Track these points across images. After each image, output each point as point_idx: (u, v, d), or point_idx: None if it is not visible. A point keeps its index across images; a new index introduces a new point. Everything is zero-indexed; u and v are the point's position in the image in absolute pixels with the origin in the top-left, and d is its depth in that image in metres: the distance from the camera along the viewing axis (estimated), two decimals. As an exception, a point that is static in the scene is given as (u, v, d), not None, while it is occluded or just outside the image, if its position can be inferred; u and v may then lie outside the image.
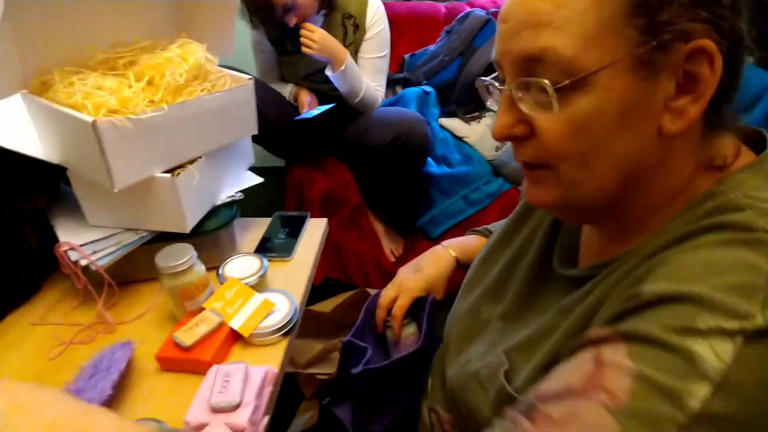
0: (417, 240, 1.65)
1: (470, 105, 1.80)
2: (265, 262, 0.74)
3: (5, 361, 0.65)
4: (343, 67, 1.40)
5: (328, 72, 1.43)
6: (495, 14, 1.82)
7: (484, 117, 1.77)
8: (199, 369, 0.61)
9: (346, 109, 1.55)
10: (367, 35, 1.50)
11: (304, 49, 1.38)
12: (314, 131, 1.57)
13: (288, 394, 1.46)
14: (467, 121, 1.74)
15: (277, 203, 1.96)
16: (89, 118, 0.57)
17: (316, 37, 1.35)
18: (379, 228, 1.64)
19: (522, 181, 1.75)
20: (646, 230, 0.43)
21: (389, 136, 1.36)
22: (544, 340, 0.45)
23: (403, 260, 1.64)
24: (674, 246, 0.38)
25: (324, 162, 1.65)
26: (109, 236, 0.72)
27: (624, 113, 0.37)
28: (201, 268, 0.66)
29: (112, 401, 0.56)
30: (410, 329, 0.75)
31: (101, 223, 0.73)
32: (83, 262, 0.67)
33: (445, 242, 0.78)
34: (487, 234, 0.78)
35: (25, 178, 0.74)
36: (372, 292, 1.60)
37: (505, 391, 0.45)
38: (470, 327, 0.58)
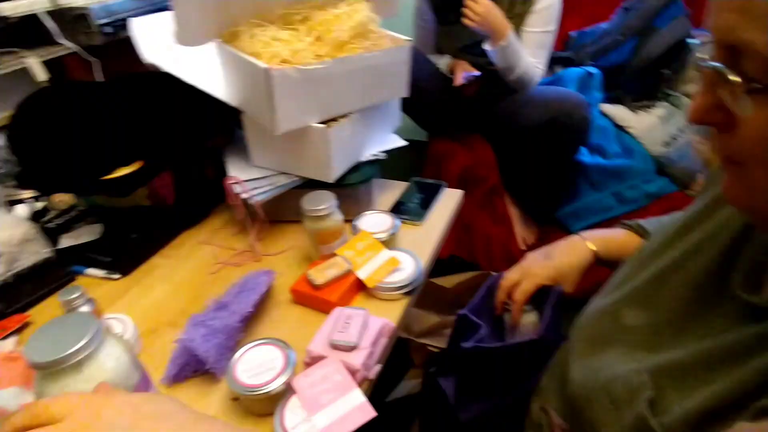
0: (552, 231, 1.55)
1: (640, 92, 1.60)
2: (398, 222, 0.76)
3: (178, 269, 0.78)
4: (504, 42, 1.33)
5: (486, 46, 1.38)
6: (684, -7, 1.58)
7: (655, 107, 1.56)
8: (325, 307, 0.65)
9: (501, 86, 1.49)
10: (537, 6, 1.39)
11: (465, 20, 1.35)
12: (466, 104, 1.55)
13: (399, 358, 1.51)
14: (634, 109, 1.56)
15: (414, 175, 2.00)
16: (264, 65, 0.63)
17: (479, 9, 1.30)
18: (514, 213, 1.58)
19: (691, 184, 1.53)
20: None
21: (546, 116, 1.27)
22: (708, 377, 0.38)
23: (533, 250, 1.56)
24: None
25: (467, 138, 1.63)
26: (267, 176, 0.80)
27: None
28: (339, 216, 0.70)
29: (251, 318, 0.63)
30: (530, 317, 0.71)
31: (263, 164, 0.81)
32: (244, 196, 0.76)
33: (586, 233, 0.71)
34: (638, 230, 0.68)
35: (211, 117, 0.85)
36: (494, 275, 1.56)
37: (646, 423, 0.38)
38: (606, 330, 0.51)
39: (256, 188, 0.78)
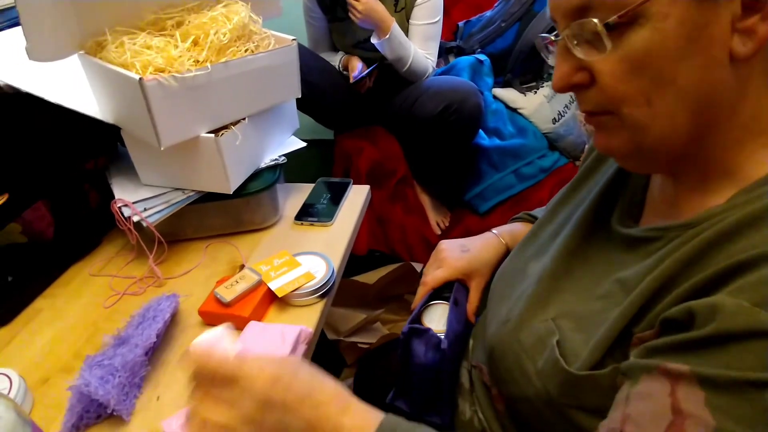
0: (464, 214, 1.61)
1: (527, 74, 1.71)
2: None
3: (67, 308, 0.70)
4: (387, 36, 1.38)
5: (373, 39, 1.41)
6: (558, -23, 1.71)
7: (542, 87, 1.67)
8: (238, 324, 0.62)
9: (396, 78, 1.51)
10: (419, 0, 1.46)
11: (350, 16, 1.37)
12: (365, 99, 1.55)
13: (331, 360, 1.50)
14: (523, 91, 1.66)
15: (325, 174, 1.98)
16: (136, 76, 0.58)
17: (360, 6, 1.33)
18: (426, 200, 1.62)
19: (580, 156, 1.66)
20: (731, 182, 0.39)
21: (439, 106, 1.32)
22: (602, 316, 0.42)
23: (448, 233, 1.61)
24: None
25: (372, 133, 1.64)
26: (159, 195, 0.75)
27: (686, 41, 0.34)
28: None
29: (156, 348, 0.59)
30: (439, 309, 0.68)
31: (152, 182, 0.76)
32: (135, 219, 0.71)
33: (496, 229, 0.73)
34: (531, 220, 0.73)
35: (85, 138, 0.78)
36: (416, 266, 1.59)
37: (559, 365, 0.42)
38: (515, 284, 0.55)
39: (148, 209, 0.72)
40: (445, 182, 1.54)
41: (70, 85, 0.72)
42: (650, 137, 0.38)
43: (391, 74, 1.51)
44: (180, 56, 0.63)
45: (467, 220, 1.59)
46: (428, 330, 0.61)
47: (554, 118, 1.62)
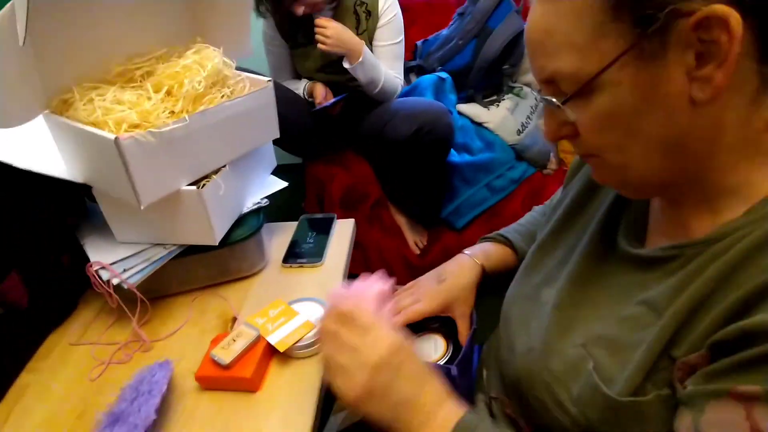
0: (441, 231, 1.62)
1: (488, 89, 1.75)
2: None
3: (51, 384, 0.65)
4: (360, 59, 1.38)
5: (345, 65, 1.40)
6: (509, -7, 1.76)
7: (503, 100, 1.72)
8: (240, 386, 0.59)
9: (364, 101, 1.51)
10: (381, 22, 1.48)
11: (319, 46, 1.36)
12: (333, 125, 1.54)
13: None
14: (486, 105, 1.69)
15: (296, 201, 1.94)
16: (111, 136, 0.55)
17: (329, 32, 1.32)
18: (402, 221, 1.62)
19: (546, 164, 1.70)
20: (739, 199, 0.40)
21: (411, 128, 1.32)
22: (634, 338, 0.42)
23: (428, 252, 1.61)
24: None
25: (342, 157, 1.63)
26: (138, 252, 0.70)
27: (642, 99, 0.38)
28: None
29: (156, 425, 0.55)
30: (431, 342, 0.69)
31: (129, 239, 0.71)
32: (115, 281, 0.66)
33: (468, 250, 0.74)
34: (500, 239, 0.74)
35: (53, 198, 0.73)
36: (398, 287, 1.58)
37: (600, 391, 0.42)
38: (529, 312, 0.55)
39: (127, 269, 0.68)
40: (419, 202, 1.55)
41: (26, 144, 0.67)
42: (632, 175, 0.43)
43: (358, 98, 1.51)
44: (154, 109, 0.60)
45: (445, 237, 1.60)
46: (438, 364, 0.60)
47: (518, 129, 1.66)
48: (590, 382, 0.43)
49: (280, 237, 0.87)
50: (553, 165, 1.65)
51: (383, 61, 1.49)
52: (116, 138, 0.55)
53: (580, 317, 0.48)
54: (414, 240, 1.60)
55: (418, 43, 1.89)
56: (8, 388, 0.65)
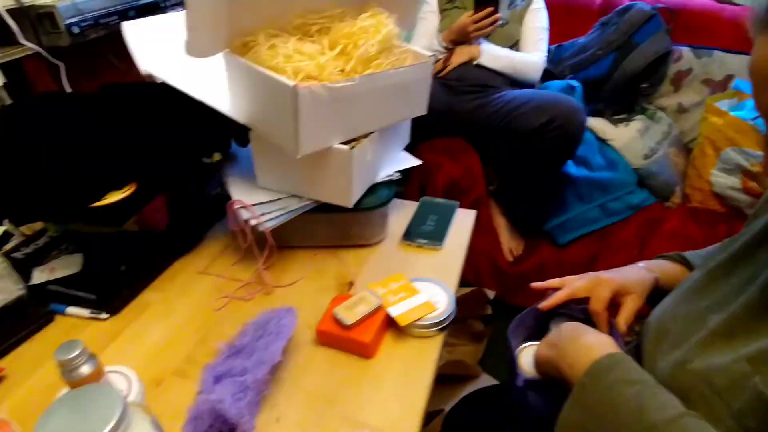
0: (539, 244, 1.55)
1: (619, 105, 1.63)
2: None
3: (176, 305, 0.69)
4: (481, 60, 1.50)
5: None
6: (661, 10, 1.63)
7: (634, 120, 1.59)
8: (357, 349, 0.60)
9: (495, 86, 1.50)
10: (533, 6, 1.59)
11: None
12: (465, 112, 1.53)
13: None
14: (615, 123, 1.59)
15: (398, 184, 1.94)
16: (291, 83, 0.56)
17: (448, 68, 1.52)
18: (501, 224, 1.56)
19: (670, 196, 1.56)
20: None
21: (541, 119, 1.26)
22: None
23: (521, 262, 1.55)
24: None
25: (452, 146, 1.59)
26: (275, 200, 0.73)
27: None
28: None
29: (279, 366, 0.56)
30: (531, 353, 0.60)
31: (269, 186, 0.74)
32: (253, 222, 0.69)
33: (642, 263, 0.68)
34: (679, 260, 0.68)
35: (207, 133, 0.77)
36: (489, 293, 1.53)
37: (764, 398, 0.41)
38: (692, 332, 0.52)
39: (264, 213, 0.71)
40: (526, 206, 1.48)
41: (203, 79, 0.71)
42: None
43: (490, 80, 1.51)
44: (327, 64, 0.61)
45: (543, 251, 1.52)
46: (544, 381, 0.56)
47: (646, 154, 1.54)
48: (755, 393, 0.41)
49: (399, 213, 0.87)
50: (677, 198, 1.52)
51: (529, 42, 1.58)
52: (295, 86, 0.56)
53: (751, 338, 0.46)
54: (510, 246, 1.55)
55: (552, 47, 1.80)
56: (131, 301, 0.70)
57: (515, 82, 1.58)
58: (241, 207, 0.70)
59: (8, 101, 0.92)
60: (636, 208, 1.47)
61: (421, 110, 0.77)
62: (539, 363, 0.56)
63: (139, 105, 0.71)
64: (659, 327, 0.56)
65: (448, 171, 1.55)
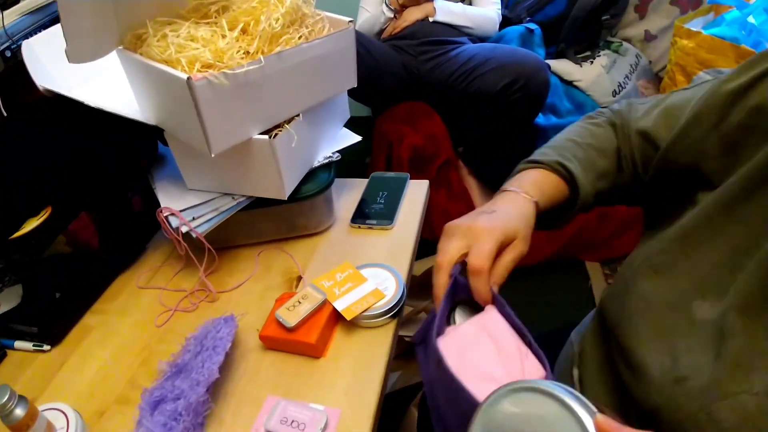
0: (514, 198, 1.51)
1: (582, 43, 1.57)
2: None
3: (118, 326, 0.66)
4: (436, 16, 1.46)
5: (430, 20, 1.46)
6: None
7: (599, 56, 1.53)
8: (304, 351, 0.57)
9: (450, 40, 1.44)
10: None
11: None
12: (422, 77, 1.48)
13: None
14: (578, 62, 1.52)
15: (360, 157, 1.88)
16: (183, 75, 0.51)
17: (400, 24, 1.47)
18: (472, 184, 1.52)
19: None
20: None
21: (502, 80, 1.20)
22: None
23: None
24: None
25: (413, 112, 1.53)
26: (207, 201, 0.68)
27: None
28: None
29: (218, 382, 0.53)
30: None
31: (199, 187, 0.69)
32: (184, 229, 0.64)
33: (512, 185, 0.55)
34: (543, 166, 0.56)
35: (126, 140, 0.71)
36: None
37: None
38: (672, 326, 0.44)
39: (196, 217, 0.66)
40: (496, 165, 1.44)
41: (103, 82, 0.65)
42: None
43: (448, 41, 1.44)
44: (229, 48, 0.55)
45: (518, 205, 1.49)
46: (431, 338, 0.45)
47: (614, 90, 1.49)
48: None
49: (348, 194, 0.82)
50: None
51: None
52: (188, 78, 0.51)
53: (759, 353, 0.38)
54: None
55: (506, -10, 1.71)
56: (71, 328, 0.66)
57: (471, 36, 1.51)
58: (170, 214, 0.66)
59: None
60: (608, 149, 1.43)
61: (351, 83, 0.71)
62: None
63: (47, 123, 0.65)
64: (626, 315, 0.47)
65: (411, 140, 1.49)
